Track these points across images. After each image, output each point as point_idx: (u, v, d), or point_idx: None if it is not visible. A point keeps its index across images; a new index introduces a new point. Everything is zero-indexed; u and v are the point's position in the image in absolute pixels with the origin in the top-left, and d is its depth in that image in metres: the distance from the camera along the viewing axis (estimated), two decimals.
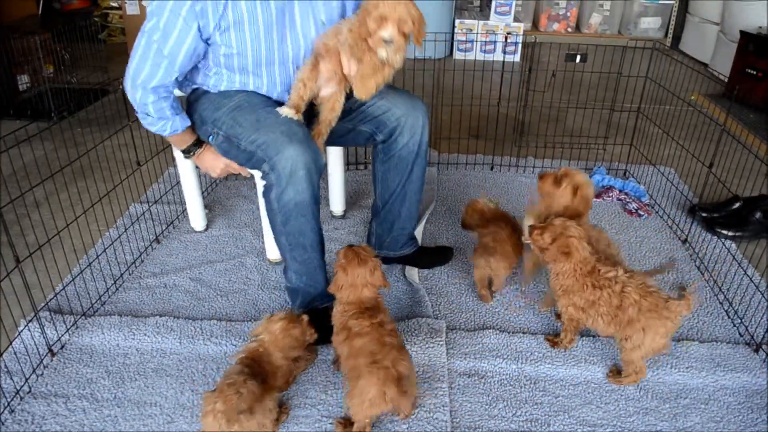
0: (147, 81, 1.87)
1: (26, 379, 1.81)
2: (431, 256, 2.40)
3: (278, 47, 1.94)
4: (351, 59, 1.88)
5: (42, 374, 1.85)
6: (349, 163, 3.16)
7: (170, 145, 2.50)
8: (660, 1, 5.91)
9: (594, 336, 2.03)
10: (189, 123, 2.05)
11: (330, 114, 2.01)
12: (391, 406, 1.59)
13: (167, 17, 1.78)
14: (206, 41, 1.87)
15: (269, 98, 2.03)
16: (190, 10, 1.77)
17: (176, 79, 1.91)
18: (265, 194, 1.89)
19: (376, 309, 1.75)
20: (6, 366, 1.86)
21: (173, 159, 2.76)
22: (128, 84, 1.90)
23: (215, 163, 2.14)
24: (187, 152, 2.14)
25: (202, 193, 2.64)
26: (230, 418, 1.46)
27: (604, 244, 2.02)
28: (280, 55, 1.96)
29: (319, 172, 1.84)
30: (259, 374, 1.60)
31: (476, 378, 1.88)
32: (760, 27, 4.25)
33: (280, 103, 2.00)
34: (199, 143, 2.13)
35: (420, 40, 1.86)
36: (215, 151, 2.10)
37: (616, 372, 1.90)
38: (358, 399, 1.57)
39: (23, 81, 4.13)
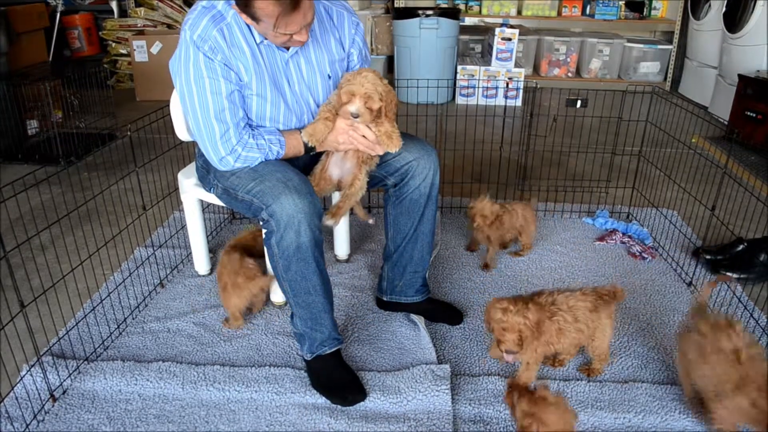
0: (218, 136, 1.91)
1: (27, 425, 1.79)
2: (439, 312, 2.35)
3: (283, 110, 2.01)
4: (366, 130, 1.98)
5: (43, 420, 1.83)
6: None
7: (176, 189, 2.53)
8: (658, 47, 6.02)
9: (601, 381, 2.01)
10: (280, 132, 2.01)
11: (350, 192, 2.10)
12: None
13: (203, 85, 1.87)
14: None
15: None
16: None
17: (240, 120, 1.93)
18: (266, 241, 1.90)
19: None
20: (7, 411, 1.84)
21: (179, 203, 2.78)
22: (215, 159, 1.94)
23: (336, 134, 2.00)
24: (310, 149, 2.04)
25: (207, 237, 2.65)
26: None
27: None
28: (286, 111, 2.02)
29: (318, 216, 1.85)
30: None
31: (482, 424, 1.86)
32: (758, 71, 4.32)
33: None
34: None
35: (391, 116, 1.98)
36: (328, 124, 2.00)
37: (587, 367, 2.08)
38: None
39: (32, 126, 4.20)
